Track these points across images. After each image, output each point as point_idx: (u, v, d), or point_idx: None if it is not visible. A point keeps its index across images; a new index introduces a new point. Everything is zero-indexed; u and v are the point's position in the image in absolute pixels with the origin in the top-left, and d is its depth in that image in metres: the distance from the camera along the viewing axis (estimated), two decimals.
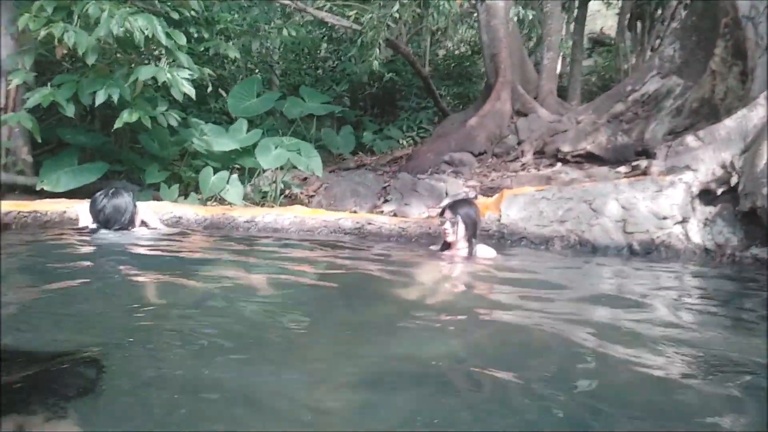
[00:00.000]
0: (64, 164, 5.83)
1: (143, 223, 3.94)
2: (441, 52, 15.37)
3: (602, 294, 3.40)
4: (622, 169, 7.69)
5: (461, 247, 4.06)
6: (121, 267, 2.88)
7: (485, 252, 4.17)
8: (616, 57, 13.30)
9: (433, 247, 4.36)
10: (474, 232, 4.08)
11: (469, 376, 1.65)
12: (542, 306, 2.76)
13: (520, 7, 6.62)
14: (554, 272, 4.27)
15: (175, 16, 7.65)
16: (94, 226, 3.70)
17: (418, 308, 2.54)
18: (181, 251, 3.52)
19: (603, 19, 20.44)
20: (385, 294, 2.76)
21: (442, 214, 4.08)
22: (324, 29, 12.99)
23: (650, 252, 5.49)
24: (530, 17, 6.69)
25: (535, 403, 1.43)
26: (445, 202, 6.57)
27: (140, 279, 2.66)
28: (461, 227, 3.97)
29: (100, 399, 1.30)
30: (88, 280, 2.55)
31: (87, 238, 3.58)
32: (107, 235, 3.62)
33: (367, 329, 2.08)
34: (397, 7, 5.89)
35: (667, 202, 5.58)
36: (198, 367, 1.51)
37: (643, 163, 7.44)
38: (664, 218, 5.58)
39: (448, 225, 3.97)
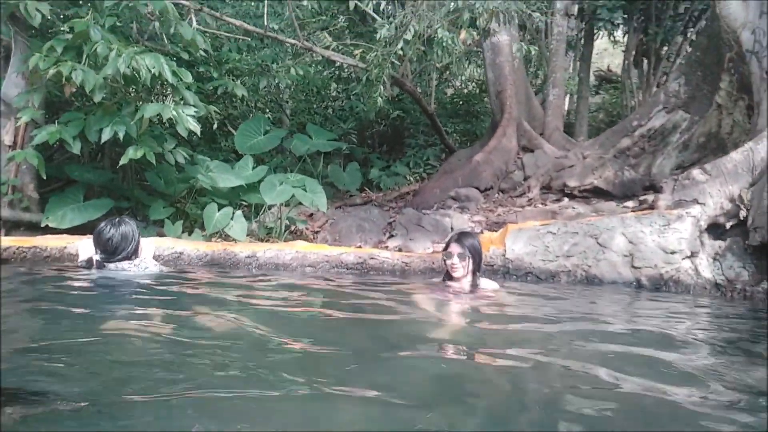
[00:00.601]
0: (70, 201, 5.88)
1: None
2: (449, 91, 15.55)
3: (613, 327, 3.30)
4: (630, 203, 7.63)
5: (465, 281, 3.99)
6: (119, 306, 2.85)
7: (488, 285, 4.10)
8: (622, 93, 13.36)
9: (433, 280, 4.29)
10: (479, 265, 4.03)
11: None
12: (553, 340, 2.68)
13: (523, 44, 6.66)
14: (562, 305, 4.18)
15: (185, 56, 7.84)
16: (98, 257, 3.67)
17: (423, 342, 2.47)
18: (182, 288, 3.48)
19: (610, 57, 20.68)
20: (388, 329, 2.69)
21: (446, 248, 4.01)
22: (333, 69, 13.21)
23: (659, 287, 5.38)
24: (533, 53, 6.73)
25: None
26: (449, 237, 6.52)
27: (140, 316, 2.62)
28: (468, 261, 3.91)
29: None
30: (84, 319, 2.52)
31: (85, 275, 3.57)
32: (107, 272, 3.59)
33: (372, 366, 1.99)
34: (401, 44, 5.96)
35: (675, 236, 5.50)
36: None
37: (651, 197, 7.38)
38: (673, 252, 5.49)
39: (456, 260, 3.87)
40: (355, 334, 2.57)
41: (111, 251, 3.63)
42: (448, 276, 4.04)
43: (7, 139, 5.52)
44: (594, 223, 5.68)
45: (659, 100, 8.35)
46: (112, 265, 3.60)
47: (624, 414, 1.64)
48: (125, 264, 3.62)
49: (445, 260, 3.97)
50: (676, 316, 4.07)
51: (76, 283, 3.25)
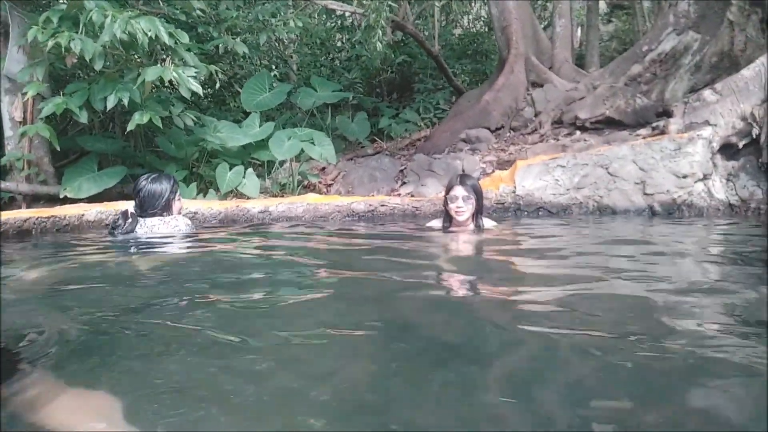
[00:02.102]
0: (85, 171, 6.00)
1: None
2: (457, 32, 15.21)
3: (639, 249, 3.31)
4: (643, 131, 7.51)
5: (467, 224, 3.95)
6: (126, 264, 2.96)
7: (490, 224, 4.09)
8: (634, 19, 12.94)
9: (433, 224, 4.20)
10: (481, 206, 3.99)
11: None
12: (558, 274, 2.73)
13: None
14: (569, 236, 4.20)
15: (182, 17, 7.77)
16: (132, 209, 3.80)
17: (431, 282, 2.52)
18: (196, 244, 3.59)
19: None
20: (394, 272, 2.75)
21: (449, 192, 3.92)
22: (335, 18, 12.99)
23: (672, 212, 5.37)
24: None
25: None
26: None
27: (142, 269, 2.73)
28: (472, 202, 3.87)
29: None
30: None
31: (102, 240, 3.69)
32: (134, 231, 3.70)
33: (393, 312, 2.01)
34: None
35: (687, 159, 5.44)
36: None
37: (664, 123, 7.26)
38: (685, 177, 5.44)
39: (461, 202, 3.82)
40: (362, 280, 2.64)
41: (139, 205, 3.77)
42: (450, 221, 3.97)
43: (17, 115, 5.61)
44: (604, 153, 5.64)
45: (669, 21, 8.10)
46: (142, 221, 3.72)
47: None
48: (155, 220, 3.73)
49: (448, 204, 3.90)
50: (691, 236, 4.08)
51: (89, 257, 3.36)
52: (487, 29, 14.44)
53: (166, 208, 3.77)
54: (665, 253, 3.24)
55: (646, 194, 5.47)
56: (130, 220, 3.67)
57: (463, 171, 7.03)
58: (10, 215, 3.79)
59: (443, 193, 4.16)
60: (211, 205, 4.79)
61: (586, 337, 1.60)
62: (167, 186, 3.77)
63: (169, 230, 3.74)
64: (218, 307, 1.95)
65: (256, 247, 3.64)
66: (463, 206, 3.84)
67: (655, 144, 5.59)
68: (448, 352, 1.51)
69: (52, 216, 4.04)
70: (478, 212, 3.94)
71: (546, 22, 13.91)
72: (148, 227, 3.71)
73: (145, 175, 3.85)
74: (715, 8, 7.55)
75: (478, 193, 3.88)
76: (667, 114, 7.73)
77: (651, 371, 1.34)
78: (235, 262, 3.01)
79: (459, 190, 3.84)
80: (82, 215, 4.22)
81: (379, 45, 6.31)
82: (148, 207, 3.74)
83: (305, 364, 1.41)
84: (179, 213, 3.92)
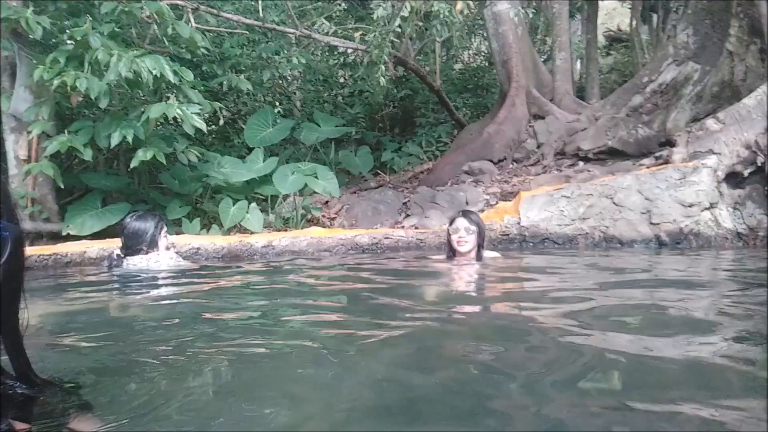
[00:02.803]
0: (88, 208, 6.00)
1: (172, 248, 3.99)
2: (457, 66, 15.40)
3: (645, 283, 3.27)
4: (647, 161, 7.50)
5: (469, 256, 4.00)
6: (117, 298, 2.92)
7: (491, 255, 4.14)
8: (632, 51, 13.08)
9: (436, 257, 4.26)
10: (483, 240, 4.05)
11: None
12: (560, 301, 2.68)
13: (520, 8, 6.54)
14: (578, 268, 4.15)
15: (188, 56, 7.90)
16: (118, 252, 3.78)
17: (432, 309, 2.48)
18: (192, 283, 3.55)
19: (620, 16, 20.23)
20: (400, 300, 2.70)
21: (452, 224, 4.03)
22: (337, 55, 13.18)
23: (679, 242, 5.31)
24: (531, 17, 6.61)
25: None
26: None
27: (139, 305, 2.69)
28: (475, 235, 3.94)
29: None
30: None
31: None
32: (122, 267, 3.68)
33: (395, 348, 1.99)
34: (398, 21, 5.91)
35: (693, 188, 5.41)
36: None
37: (667, 153, 7.26)
38: (691, 206, 5.40)
39: (463, 233, 3.91)
40: (367, 305, 2.59)
41: (124, 244, 3.75)
42: (452, 253, 4.03)
43: (22, 153, 5.64)
44: (608, 183, 5.62)
45: (668, 53, 8.18)
46: (125, 261, 3.69)
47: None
48: (136, 259, 3.70)
49: (450, 236, 3.98)
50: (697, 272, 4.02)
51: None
52: (487, 63, 14.61)
53: (152, 246, 3.74)
54: (677, 286, 3.19)
55: (652, 224, 5.42)
56: (115, 261, 3.67)
57: (467, 203, 7.01)
58: None
59: (447, 225, 4.22)
60: (213, 241, 4.76)
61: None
62: (152, 224, 3.76)
63: (149, 266, 3.71)
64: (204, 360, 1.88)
65: (255, 284, 3.59)
66: (465, 237, 3.91)
67: (660, 173, 5.57)
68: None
69: (54, 253, 4.01)
70: (480, 246, 3.97)
71: (545, 56, 14.09)
72: (132, 265, 3.68)
73: (132, 214, 3.85)
74: (714, 39, 7.63)
75: (480, 227, 3.94)
76: (670, 144, 7.74)
77: None
78: (223, 301, 2.95)
79: (462, 222, 3.93)
80: (84, 252, 4.19)
81: (382, 80, 6.36)
82: (133, 245, 3.72)
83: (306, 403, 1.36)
84: (168, 249, 3.89)
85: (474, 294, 3.18)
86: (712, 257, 4.73)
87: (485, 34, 13.70)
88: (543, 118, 9.24)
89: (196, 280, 3.48)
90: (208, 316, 2.36)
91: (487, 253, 4.08)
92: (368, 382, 1.46)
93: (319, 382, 1.47)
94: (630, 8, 13.49)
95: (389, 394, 1.39)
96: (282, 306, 2.74)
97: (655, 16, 13.51)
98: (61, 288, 3.35)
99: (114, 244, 4.36)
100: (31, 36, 5.24)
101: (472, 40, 16.72)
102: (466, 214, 4.02)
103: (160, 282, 3.47)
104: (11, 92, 5.66)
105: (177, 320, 2.31)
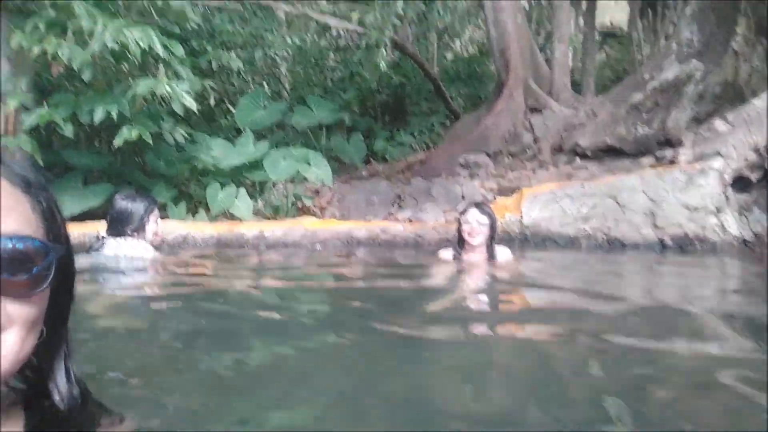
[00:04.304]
0: (68, 187, 5.66)
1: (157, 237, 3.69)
2: (449, 56, 15.12)
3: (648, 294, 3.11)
4: (646, 160, 7.36)
5: (480, 251, 3.84)
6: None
7: (504, 254, 3.95)
8: (629, 47, 12.93)
9: (443, 253, 4.07)
10: (495, 234, 3.89)
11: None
12: (579, 310, 2.49)
13: None
14: (585, 272, 3.99)
15: (176, 30, 7.52)
16: (103, 233, 3.52)
17: (444, 320, 2.29)
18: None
19: (612, 10, 20.08)
20: (411, 311, 2.50)
21: (463, 214, 3.86)
22: (330, 38, 12.83)
23: (684, 247, 5.17)
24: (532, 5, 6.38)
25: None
26: (462, 205, 6.30)
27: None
28: (487, 228, 3.75)
29: None
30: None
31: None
32: (101, 252, 3.41)
33: (397, 351, 1.83)
34: (401, 4, 5.64)
35: (699, 192, 5.27)
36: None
37: (668, 153, 7.11)
38: (696, 209, 5.26)
39: (476, 224, 3.73)
40: (372, 314, 2.38)
41: (109, 223, 3.49)
42: (461, 245, 3.88)
43: None
44: (612, 183, 5.46)
45: (671, 50, 8.01)
46: (106, 243, 3.43)
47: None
48: (119, 241, 3.42)
49: (461, 226, 3.81)
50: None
51: None
52: (479, 53, 14.38)
53: (138, 230, 3.46)
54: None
55: (656, 227, 5.27)
56: (96, 243, 3.41)
57: (463, 197, 6.81)
58: None
59: (443, 219, 4.07)
60: (203, 229, 4.50)
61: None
62: (141, 206, 3.48)
63: (123, 253, 3.44)
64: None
65: (246, 281, 3.36)
66: (477, 228, 3.74)
67: (666, 174, 5.42)
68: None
69: None
70: (492, 240, 3.80)
71: (540, 47, 13.88)
72: (112, 248, 3.41)
73: (122, 193, 3.58)
74: (720, 37, 7.47)
75: (493, 220, 3.76)
76: (669, 143, 7.60)
77: None
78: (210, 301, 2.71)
79: (474, 213, 3.75)
80: None
81: (382, 64, 6.09)
82: (118, 226, 3.45)
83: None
84: (155, 235, 3.61)
85: (486, 304, 2.98)
86: (718, 263, 4.61)
87: (480, 22, 13.53)
88: (540, 111, 9.05)
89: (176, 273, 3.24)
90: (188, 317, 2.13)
91: (501, 252, 3.91)
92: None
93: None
94: (628, 3, 13.31)
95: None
96: (280, 308, 2.52)
97: (650, 12, 13.37)
98: None
99: (94, 228, 4.09)
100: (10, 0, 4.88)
101: (465, 28, 16.47)
102: (479, 205, 3.87)
103: (135, 275, 3.21)
104: None
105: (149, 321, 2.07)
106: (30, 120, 4.93)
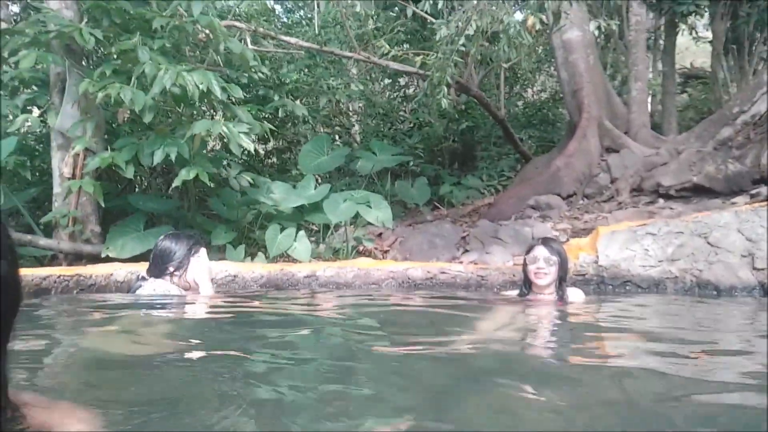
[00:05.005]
0: (130, 230, 5.72)
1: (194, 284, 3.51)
2: (520, 103, 14.86)
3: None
4: (740, 199, 6.68)
5: (548, 292, 3.43)
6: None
7: (576, 295, 3.51)
8: (714, 85, 12.17)
9: (508, 294, 3.70)
10: (565, 274, 3.48)
11: None
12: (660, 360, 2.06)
13: (601, 20, 5.94)
14: (669, 317, 3.48)
15: (244, 80, 7.70)
16: (143, 274, 3.38)
17: (505, 372, 1.93)
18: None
19: (692, 55, 19.25)
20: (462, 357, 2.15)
21: (529, 252, 3.49)
22: (399, 88, 12.88)
23: None
24: (613, 28, 6.01)
25: None
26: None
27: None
28: (556, 267, 3.37)
29: None
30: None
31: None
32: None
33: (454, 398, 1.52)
34: (462, 40, 5.46)
35: None
36: None
37: (764, 191, 6.43)
38: None
39: (542, 263, 3.36)
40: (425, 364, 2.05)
41: (151, 263, 3.34)
42: (528, 287, 3.51)
43: (66, 171, 5.44)
44: (702, 220, 4.88)
45: (763, 81, 7.38)
46: (148, 282, 3.27)
47: None
48: (156, 281, 3.26)
49: (527, 266, 3.45)
50: None
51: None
52: (552, 100, 14.03)
53: (179, 269, 3.28)
54: None
55: (755, 269, 4.63)
56: (136, 283, 3.25)
57: (533, 240, 6.37)
58: (28, 272, 3.42)
59: (511, 263, 3.69)
60: (252, 268, 4.32)
61: None
62: (184, 243, 3.30)
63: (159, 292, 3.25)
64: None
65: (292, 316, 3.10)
66: (544, 268, 3.36)
67: (763, 211, 4.79)
68: None
69: (77, 274, 3.65)
70: (562, 280, 3.39)
71: (616, 90, 13.34)
72: (148, 289, 3.24)
73: (167, 232, 3.43)
74: None
75: (562, 258, 3.37)
76: (765, 181, 6.90)
77: None
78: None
79: (541, 251, 3.38)
80: (111, 275, 3.82)
81: (444, 102, 5.88)
82: (157, 265, 3.29)
83: None
84: (202, 277, 3.40)
85: (546, 334, 2.57)
86: None
87: (552, 67, 13.21)
88: (617, 151, 8.53)
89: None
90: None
91: (574, 293, 3.49)
92: None
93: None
94: (711, 41, 12.61)
95: None
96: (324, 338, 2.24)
97: (735, 50, 12.61)
98: (75, 313, 2.97)
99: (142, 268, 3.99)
100: (84, 47, 5.06)
101: (537, 76, 16.21)
102: (546, 242, 3.50)
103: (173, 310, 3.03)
104: (59, 109, 5.50)
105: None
106: (93, 163, 5.04)
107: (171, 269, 3.29)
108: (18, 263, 0.92)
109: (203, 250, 3.48)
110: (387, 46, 6.67)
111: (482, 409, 1.42)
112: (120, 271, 3.89)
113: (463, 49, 5.62)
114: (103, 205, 5.51)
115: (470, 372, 1.81)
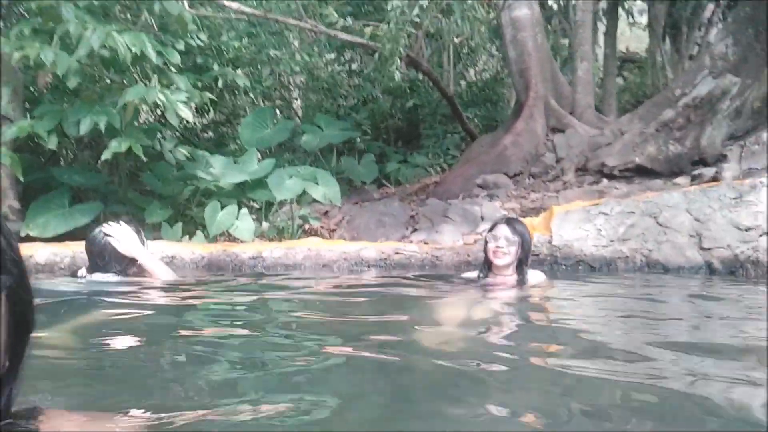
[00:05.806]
0: (54, 206, 5.23)
1: (140, 269, 3.14)
2: (462, 83, 14.80)
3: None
4: (681, 180, 6.82)
5: (508, 274, 3.31)
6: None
7: (536, 277, 3.41)
8: (651, 69, 12.48)
9: (467, 275, 3.57)
10: (527, 256, 3.36)
11: None
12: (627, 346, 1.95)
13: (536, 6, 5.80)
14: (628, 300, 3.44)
15: (180, 47, 7.19)
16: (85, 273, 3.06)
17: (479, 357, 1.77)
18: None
19: (628, 40, 19.75)
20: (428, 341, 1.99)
21: (491, 230, 3.36)
22: (342, 62, 12.51)
23: (734, 271, 4.59)
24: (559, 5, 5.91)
25: None
26: (482, 226, 5.79)
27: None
28: (517, 248, 3.23)
29: None
30: None
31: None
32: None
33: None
34: (416, 11, 5.23)
35: (750, 209, 4.69)
36: None
37: (706, 171, 6.58)
38: (748, 229, 4.68)
39: (503, 242, 3.22)
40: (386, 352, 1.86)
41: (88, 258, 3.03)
42: (488, 267, 3.37)
43: None
44: (652, 200, 4.91)
45: (704, 64, 7.53)
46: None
47: None
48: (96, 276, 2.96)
49: (487, 244, 3.31)
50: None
51: None
52: (494, 80, 14.04)
53: (113, 264, 2.97)
54: None
55: (702, 249, 4.70)
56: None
57: (483, 219, 6.29)
58: None
59: (461, 242, 3.57)
60: (192, 248, 4.00)
61: None
62: (101, 241, 2.99)
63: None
64: None
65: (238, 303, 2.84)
66: (504, 247, 3.22)
67: (712, 191, 4.86)
68: None
69: None
70: (522, 262, 3.26)
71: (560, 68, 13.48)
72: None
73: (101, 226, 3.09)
74: (757, 50, 6.99)
75: (524, 240, 3.23)
76: (704, 162, 7.07)
77: None
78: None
79: (503, 230, 3.25)
80: (31, 256, 3.43)
81: (397, 74, 5.65)
82: (94, 261, 2.98)
83: None
84: (152, 265, 3.10)
85: (504, 333, 2.43)
86: None
87: (494, 47, 13.19)
88: (562, 131, 8.56)
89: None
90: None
91: (534, 275, 3.37)
92: None
93: None
94: (648, 25, 12.89)
95: None
96: (273, 331, 2.02)
97: (672, 36, 12.98)
98: None
99: (70, 248, 3.61)
100: None
101: (480, 55, 16.19)
102: (510, 221, 3.37)
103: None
104: None
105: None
106: (10, 132, 4.54)
107: (103, 265, 2.98)
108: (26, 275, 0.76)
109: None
110: (335, 14, 6.33)
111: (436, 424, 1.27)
112: (42, 251, 3.49)
113: (417, 20, 5.39)
114: (21, 179, 4.99)
115: (421, 383, 1.65)
